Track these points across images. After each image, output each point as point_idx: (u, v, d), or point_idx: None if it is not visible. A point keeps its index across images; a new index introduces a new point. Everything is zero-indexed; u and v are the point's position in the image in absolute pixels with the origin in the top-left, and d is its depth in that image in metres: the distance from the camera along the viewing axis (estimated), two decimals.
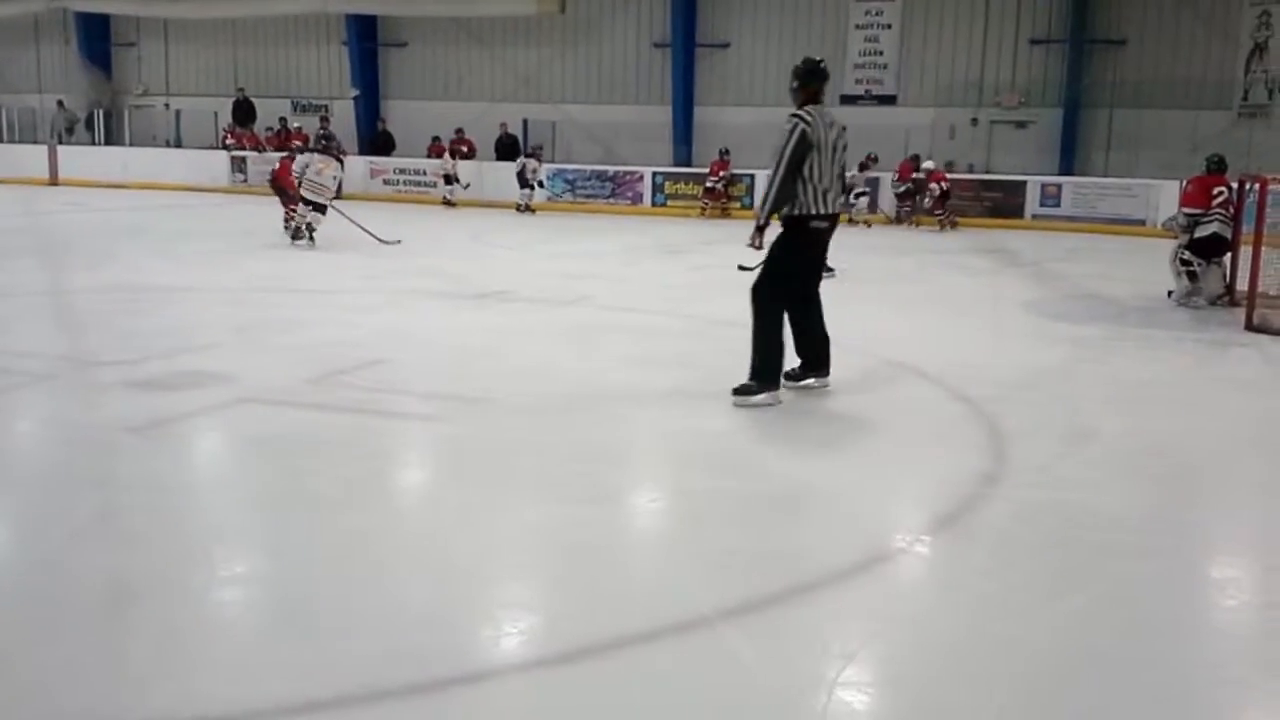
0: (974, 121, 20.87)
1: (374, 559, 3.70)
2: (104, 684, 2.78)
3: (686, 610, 3.31)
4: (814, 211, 5.76)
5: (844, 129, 6.00)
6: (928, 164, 18.51)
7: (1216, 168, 10.27)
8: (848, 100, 21.42)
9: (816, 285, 6.12)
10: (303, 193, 13.33)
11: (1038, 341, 8.33)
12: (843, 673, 2.96)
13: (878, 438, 5.49)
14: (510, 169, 20.42)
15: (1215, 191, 10.01)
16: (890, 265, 13.52)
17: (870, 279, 11.97)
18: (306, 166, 13.43)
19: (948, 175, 18.58)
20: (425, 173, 21.89)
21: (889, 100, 21.29)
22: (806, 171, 5.73)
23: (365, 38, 24.18)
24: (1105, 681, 3.00)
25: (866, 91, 21.45)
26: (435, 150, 22.57)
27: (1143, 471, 5.04)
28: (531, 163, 19.78)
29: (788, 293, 5.89)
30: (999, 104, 20.81)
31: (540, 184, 19.86)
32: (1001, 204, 19.03)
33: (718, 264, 12.02)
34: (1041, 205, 18.97)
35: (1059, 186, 19.00)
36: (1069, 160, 20.07)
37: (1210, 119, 18.61)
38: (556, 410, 5.75)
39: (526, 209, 19.47)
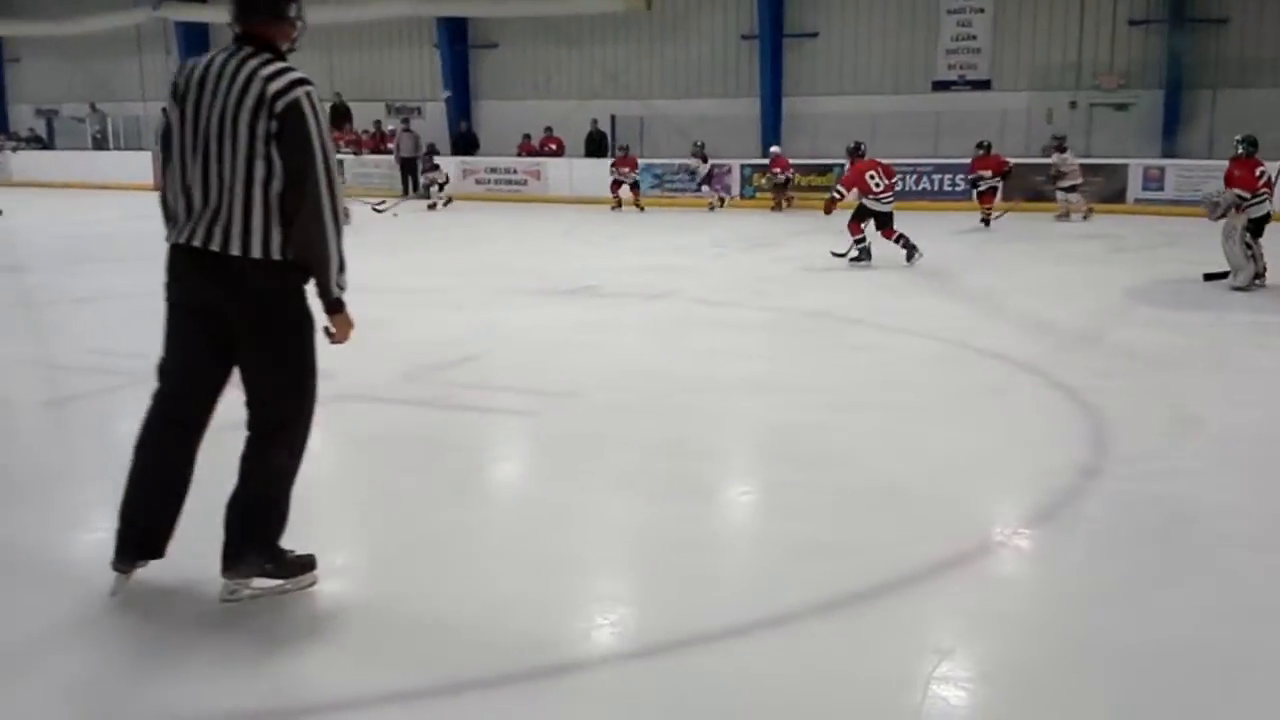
0: (1072, 104, 20.32)
1: (468, 552, 3.76)
2: (211, 672, 2.86)
3: (778, 605, 3.29)
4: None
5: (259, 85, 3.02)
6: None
7: (1254, 148, 10.19)
8: (940, 86, 21.06)
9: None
10: None
11: (1140, 328, 8.10)
12: (939, 668, 2.91)
13: (974, 428, 5.38)
14: (602, 165, 20.54)
15: (1258, 172, 9.99)
16: (984, 253, 13.27)
17: (964, 268, 11.76)
18: None
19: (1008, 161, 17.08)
20: (516, 171, 22.12)
21: (983, 85, 20.84)
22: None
23: (456, 40, 24.47)
24: (1210, 677, 2.91)
25: (960, 76, 21.04)
26: (525, 149, 22.78)
27: (1251, 461, 4.86)
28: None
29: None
30: (1098, 86, 20.23)
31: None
32: (1103, 188, 18.48)
33: (804, 256, 11.96)
34: (1144, 189, 18.40)
35: (1161, 170, 18.42)
36: (1171, 142, 19.43)
37: None
38: (646, 404, 5.76)
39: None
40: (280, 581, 3.26)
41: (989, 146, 16.71)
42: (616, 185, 19.60)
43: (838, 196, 11.88)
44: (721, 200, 19.77)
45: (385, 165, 23.01)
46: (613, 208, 19.52)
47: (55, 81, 28.19)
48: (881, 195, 11.66)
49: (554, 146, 22.15)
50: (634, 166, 19.85)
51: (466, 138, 23.95)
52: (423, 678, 2.84)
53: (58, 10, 25.79)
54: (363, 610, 3.36)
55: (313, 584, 3.33)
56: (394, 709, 2.74)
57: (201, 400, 3.23)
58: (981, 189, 16.50)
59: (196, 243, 3.04)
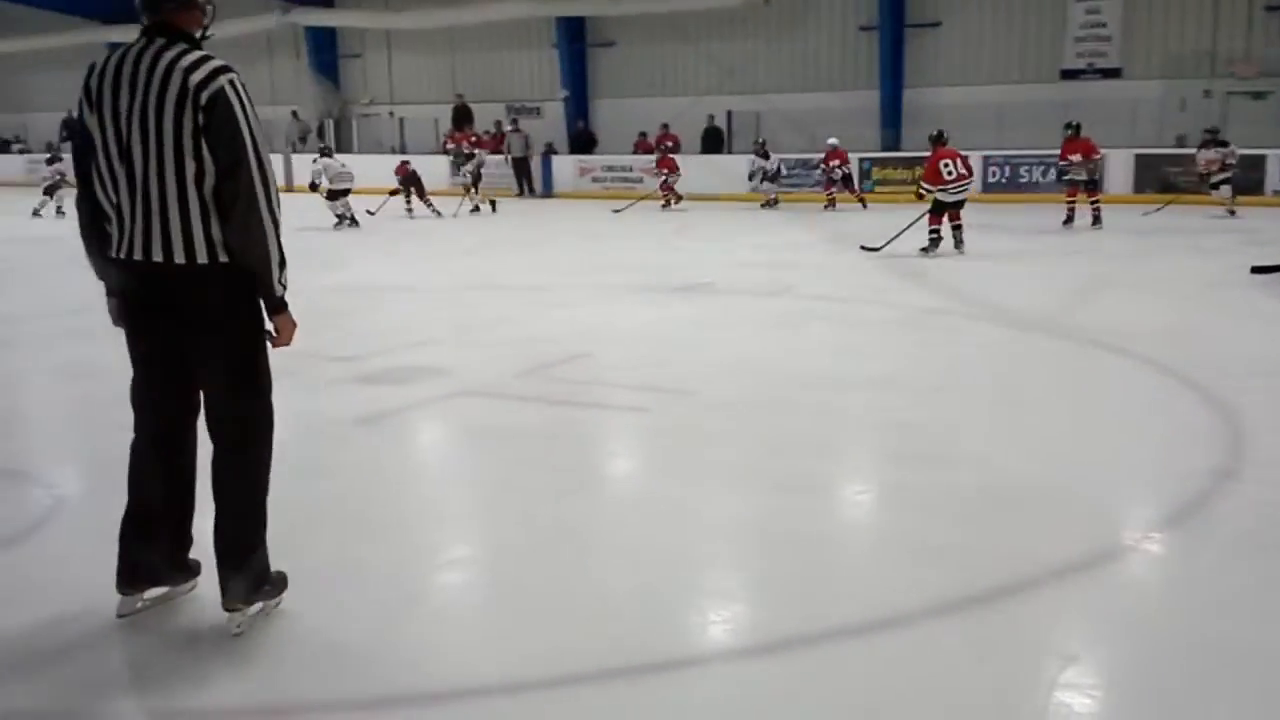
0: (1206, 93, 19.50)
1: (581, 546, 3.78)
2: (329, 661, 2.94)
3: (895, 605, 3.23)
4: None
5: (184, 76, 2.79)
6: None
7: None
8: (1069, 75, 20.45)
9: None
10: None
11: (1277, 326, 7.73)
12: (1063, 674, 2.83)
13: (1103, 428, 5.21)
14: (719, 162, 20.52)
15: None
16: (1114, 245, 12.84)
17: (1090, 260, 11.41)
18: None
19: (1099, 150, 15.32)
20: (632, 169, 22.21)
21: (1113, 73, 20.17)
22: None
23: (574, 39, 24.70)
24: None
25: (1089, 65, 20.39)
26: (641, 146, 22.87)
27: None
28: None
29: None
30: (1234, 74, 19.39)
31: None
32: (1239, 180, 17.73)
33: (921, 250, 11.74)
34: None
35: None
36: None
37: None
38: (760, 401, 5.72)
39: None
40: (264, 603, 3.12)
41: (1078, 128, 14.95)
42: (666, 187, 19.49)
43: (924, 193, 11.99)
44: (774, 200, 19.46)
45: (504, 165, 23.35)
46: (663, 206, 19.37)
47: None
48: (951, 185, 11.67)
49: (670, 143, 22.18)
50: (673, 168, 19.63)
51: (584, 136, 24.16)
52: (536, 669, 2.87)
53: None
54: (477, 602, 3.42)
55: (280, 600, 3.18)
56: (506, 700, 2.77)
57: (181, 416, 3.06)
58: (1068, 179, 15.02)
59: (137, 256, 2.85)
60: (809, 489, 4.36)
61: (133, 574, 3.09)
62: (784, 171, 20.13)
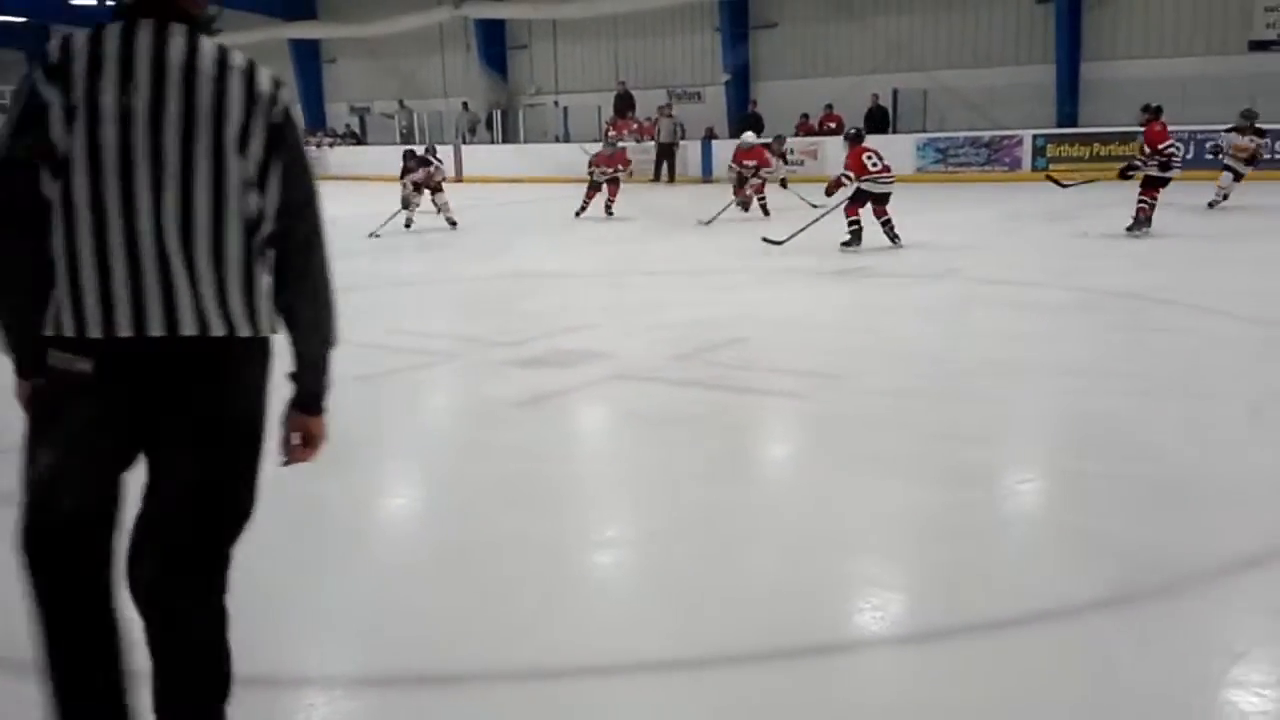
0: None
1: (734, 530, 3.81)
2: (490, 631, 3.04)
3: (1058, 598, 3.15)
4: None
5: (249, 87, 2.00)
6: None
7: None
8: (1257, 46, 19.25)
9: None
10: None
11: None
12: (1229, 672, 2.71)
13: None
14: (883, 142, 20.00)
15: None
16: None
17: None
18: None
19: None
20: (794, 151, 21.97)
21: None
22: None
23: (737, 23, 24.58)
24: None
25: None
26: (803, 128, 22.61)
27: None
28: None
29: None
30: None
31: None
32: None
33: (1110, 230, 11.30)
34: None
35: None
36: None
37: None
38: (921, 388, 5.63)
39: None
40: None
41: (1157, 110, 12.11)
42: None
43: (845, 181, 11.54)
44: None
45: (653, 152, 23.43)
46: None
47: (367, 80, 30.36)
48: (879, 176, 11.41)
49: (833, 125, 21.85)
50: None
51: (753, 119, 23.97)
52: (683, 649, 2.92)
53: (368, 13, 27.78)
54: (632, 582, 3.49)
55: None
56: (651, 678, 2.82)
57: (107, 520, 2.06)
58: (1131, 174, 11.88)
59: (123, 331, 1.93)
60: (970, 478, 4.27)
61: None
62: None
